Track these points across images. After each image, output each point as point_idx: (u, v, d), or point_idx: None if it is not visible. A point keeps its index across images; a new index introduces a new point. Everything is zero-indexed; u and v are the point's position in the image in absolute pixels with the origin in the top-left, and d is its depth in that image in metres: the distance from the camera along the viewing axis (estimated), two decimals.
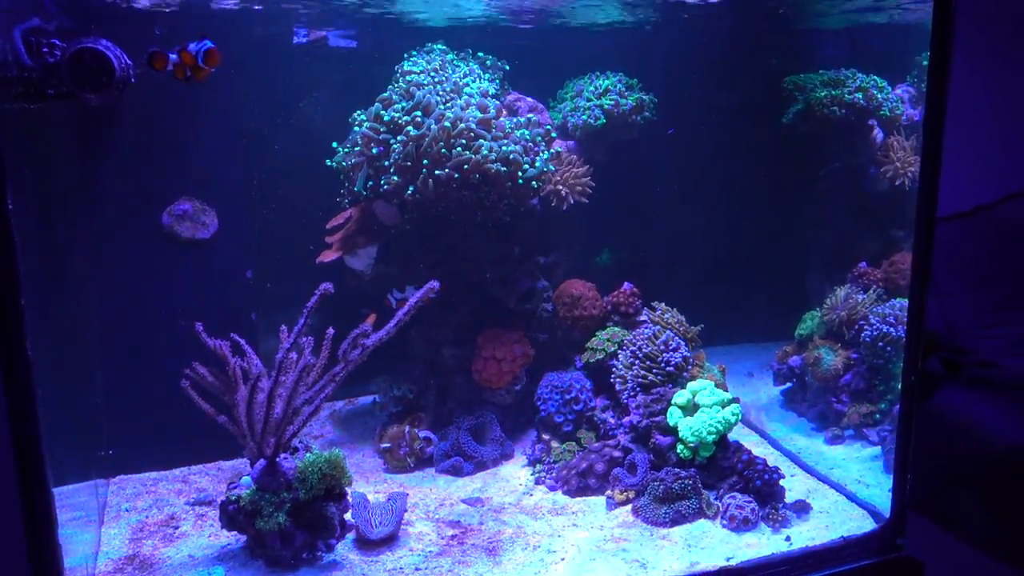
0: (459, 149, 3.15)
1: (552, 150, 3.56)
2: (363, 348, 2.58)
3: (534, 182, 3.35)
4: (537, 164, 3.32)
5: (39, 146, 2.68)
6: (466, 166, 3.14)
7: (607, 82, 3.86)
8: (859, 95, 3.87)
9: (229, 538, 2.82)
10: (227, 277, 3.39)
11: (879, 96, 3.90)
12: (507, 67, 3.72)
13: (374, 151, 3.31)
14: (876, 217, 4.09)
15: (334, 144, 3.48)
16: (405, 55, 3.53)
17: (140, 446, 3.33)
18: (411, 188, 3.21)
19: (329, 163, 3.51)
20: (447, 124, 3.16)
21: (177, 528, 2.96)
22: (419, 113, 3.22)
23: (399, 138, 3.23)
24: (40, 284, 2.44)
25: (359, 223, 3.54)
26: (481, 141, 3.18)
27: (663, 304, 3.68)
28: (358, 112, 3.46)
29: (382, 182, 3.30)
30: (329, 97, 3.79)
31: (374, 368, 3.60)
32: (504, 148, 3.21)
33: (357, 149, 3.39)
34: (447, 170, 3.14)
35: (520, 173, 3.25)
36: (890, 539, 2.78)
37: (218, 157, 3.29)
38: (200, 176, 3.27)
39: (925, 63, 3.71)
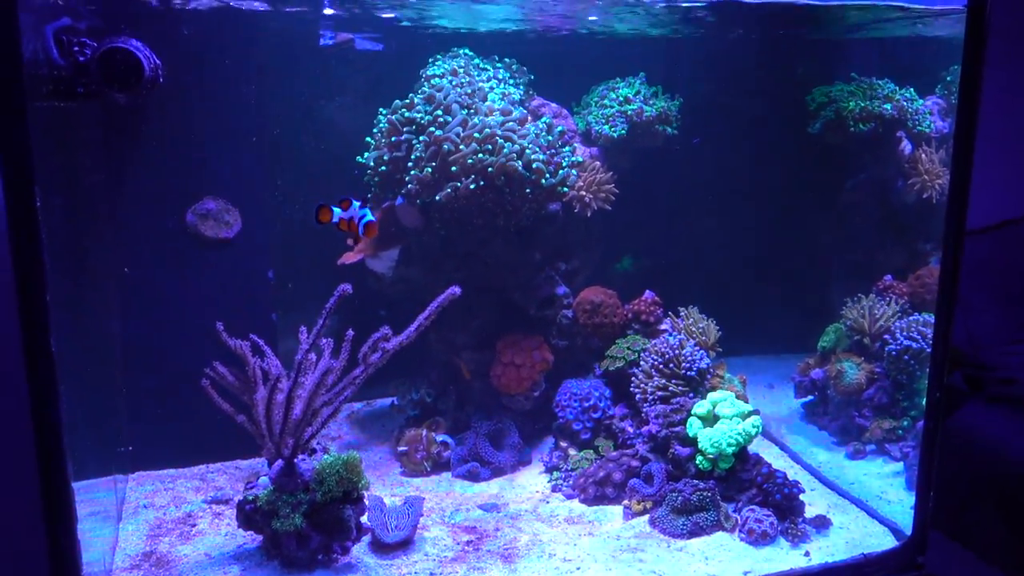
0: (482, 155, 3.15)
1: (575, 158, 3.55)
2: (383, 352, 2.57)
3: (561, 187, 3.34)
4: (560, 173, 3.32)
5: (68, 144, 2.70)
6: (490, 169, 3.13)
7: (631, 90, 3.84)
8: (888, 106, 3.83)
9: (245, 537, 2.83)
10: (249, 277, 3.40)
11: (908, 108, 3.86)
12: (532, 76, 3.72)
13: (392, 139, 3.30)
14: (902, 230, 4.04)
15: (369, 139, 3.47)
16: (430, 60, 3.54)
17: (159, 443, 3.34)
18: (439, 194, 3.19)
19: (360, 160, 3.50)
20: (476, 135, 3.15)
21: (194, 526, 2.97)
22: (440, 112, 3.22)
23: (421, 138, 3.23)
24: (65, 280, 2.46)
25: (381, 226, 3.53)
26: (504, 143, 3.17)
27: (688, 309, 3.65)
28: (382, 111, 3.46)
29: (406, 179, 3.28)
30: (354, 100, 3.80)
31: (392, 371, 3.60)
32: (529, 155, 3.20)
33: (384, 142, 3.39)
34: (472, 176, 3.14)
35: (543, 181, 3.24)
36: (911, 557, 2.75)
37: (243, 157, 3.31)
38: (224, 176, 3.29)
39: (949, 77, 3.68)
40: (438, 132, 3.19)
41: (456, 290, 2.53)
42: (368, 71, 3.83)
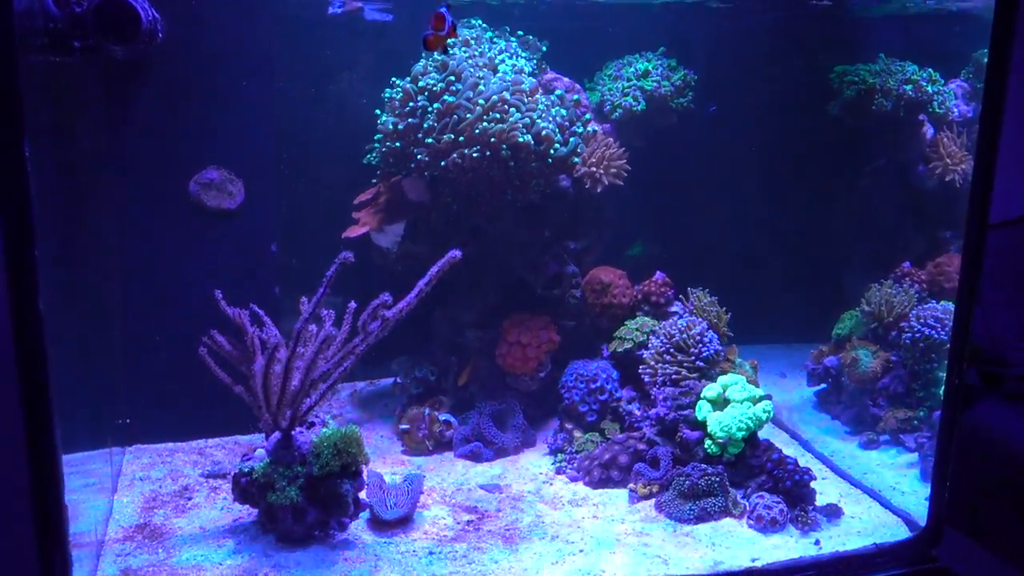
0: (487, 124, 3.06)
1: (588, 128, 3.46)
2: (383, 320, 2.50)
3: (574, 158, 3.25)
4: (571, 142, 3.22)
5: (66, 103, 2.64)
6: (493, 139, 3.04)
7: (648, 64, 3.75)
8: (908, 87, 3.73)
9: (241, 511, 2.78)
10: (251, 249, 3.34)
11: (930, 89, 3.75)
12: (544, 48, 3.63)
13: (408, 107, 3.21)
14: (922, 216, 3.95)
15: (378, 111, 3.39)
16: None
17: (158, 416, 3.30)
18: (445, 160, 3.11)
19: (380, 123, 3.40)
20: (481, 101, 3.07)
21: (190, 499, 2.92)
22: (453, 77, 3.13)
23: (435, 105, 3.13)
24: (60, 243, 2.40)
25: (387, 199, 3.47)
26: (513, 111, 3.09)
27: (700, 290, 3.57)
28: (396, 80, 3.36)
29: (415, 152, 3.20)
30: (362, 72, 3.72)
31: (396, 349, 3.54)
32: (540, 123, 3.11)
33: (399, 110, 3.30)
34: (477, 147, 3.05)
35: (552, 151, 3.15)
36: (924, 549, 2.67)
37: (247, 127, 3.24)
38: (228, 145, 3.22)
39: (982, 58, 3.54)
40: (451, 99, 3.11)
41: (457, 254, 2.45)
42: (377, 42, 3.75)
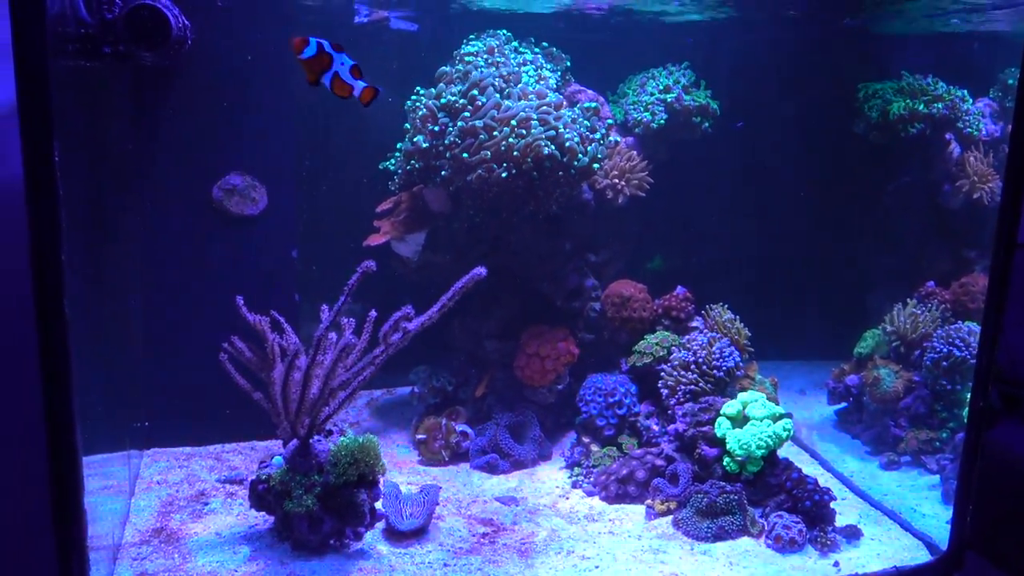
0: (514, 139, 3.05)
1: (610, 138, 3.44)
2: (404, 332, 2.49)
3: (594, 164, 3.23)
4: (590, 149, 3.19)
5: (95, 109, 2.66)
6: (515, 152, 3.03)
7: (671, 79, 3.74)
8: (938, 106, 3.69)
9: (257, 518, 2.77)
10: (272, 256, 3.34)
11: (959, 107, 3.71)
12: (569, 62, 3.63)
13: (432, 127, 3.22)
14: (947, 236, 3.90)
15: (407, 125, 3.40)
16: (467, 39, 3.46)
17: (176, 420, 3.30)
18: (470, 175, 3.11)
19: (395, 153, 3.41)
20: (513, 122, 3.06)
21: (206, 504, 2.92)
22: (476, 92, 3.13)
23: (459, 124, 3.13)
24: (86, 248, 2.41)
25: (408, 208, 3.47)
26: (535, 123, 3.08)
27: (720, 306, 3.55)
28: (420, 90, 3.37)
29: (437, 164, 3.20)
30: (386, 81, 3.72)
31: (414, 358, 3.54)
32: (564, 134, 3.10)
33: (424, 127, 3.30)
34: (505, 164, 3.04)
35: (575, 162, 3.13)
36: (946, 572, 2.63)
37: (271, 134, 3.25)
38: (252, 152, 3.23)
39: (1011, 80, 3.52)
40: (473, 120, 3.10)
41: (481, 271, 2.44)
42: (401, 52, 3.76)
